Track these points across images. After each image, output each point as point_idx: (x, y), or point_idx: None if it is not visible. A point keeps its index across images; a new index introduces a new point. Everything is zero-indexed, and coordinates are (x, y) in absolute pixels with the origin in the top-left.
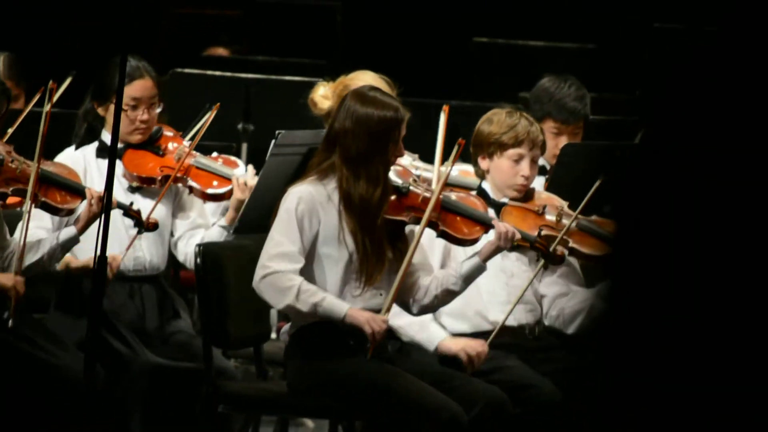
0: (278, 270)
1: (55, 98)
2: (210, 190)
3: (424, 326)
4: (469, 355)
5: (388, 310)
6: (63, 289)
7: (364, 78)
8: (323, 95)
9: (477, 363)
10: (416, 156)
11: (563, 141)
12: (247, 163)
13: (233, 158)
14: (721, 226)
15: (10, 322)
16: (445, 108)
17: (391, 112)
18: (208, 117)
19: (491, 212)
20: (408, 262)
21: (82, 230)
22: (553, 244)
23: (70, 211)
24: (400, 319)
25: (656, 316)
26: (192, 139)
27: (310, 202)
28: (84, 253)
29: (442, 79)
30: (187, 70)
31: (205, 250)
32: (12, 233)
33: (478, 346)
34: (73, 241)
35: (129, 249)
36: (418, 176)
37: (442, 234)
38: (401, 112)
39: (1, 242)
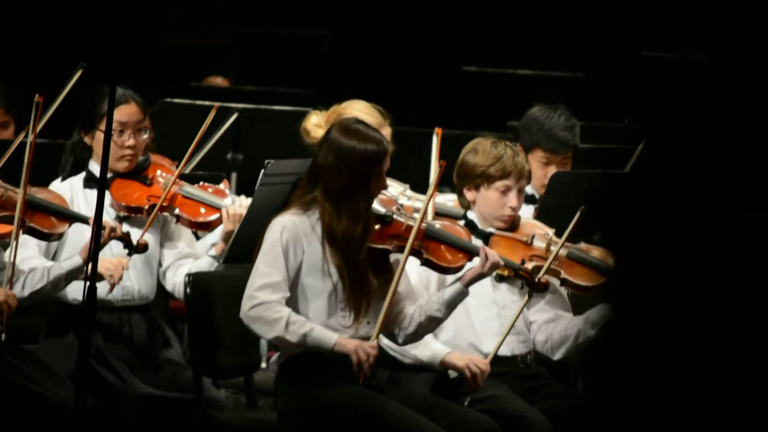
0: (265, 301)
1: (43, 118)
2: (197, 219)
3: (426, 344)
4: (473, 372)
5: (377, 337)
6: (53, 319)
7: (357, 107)
8: (316, 124)
9: (480, 380)
10: (407, 186)
11: (552, 170)
12: (236, 192)
13: (222, 188)
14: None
15: (3, 336)
16: (438, 131)
17: (374, 145)
18: (207, 120)
19: (479, 242)
20: (393, 291)
21: (88, 260)
22: (539, 274)
23: (59, 236)
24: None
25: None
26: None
27: (294, 232)
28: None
29: (431, 107)
30: (176, 100)
31: (195, 281)
32: None
33: (482, 364)
34: (78, 271)
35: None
36: (402, 205)
37: (425, 262)
38: (384, 146)
39: None
